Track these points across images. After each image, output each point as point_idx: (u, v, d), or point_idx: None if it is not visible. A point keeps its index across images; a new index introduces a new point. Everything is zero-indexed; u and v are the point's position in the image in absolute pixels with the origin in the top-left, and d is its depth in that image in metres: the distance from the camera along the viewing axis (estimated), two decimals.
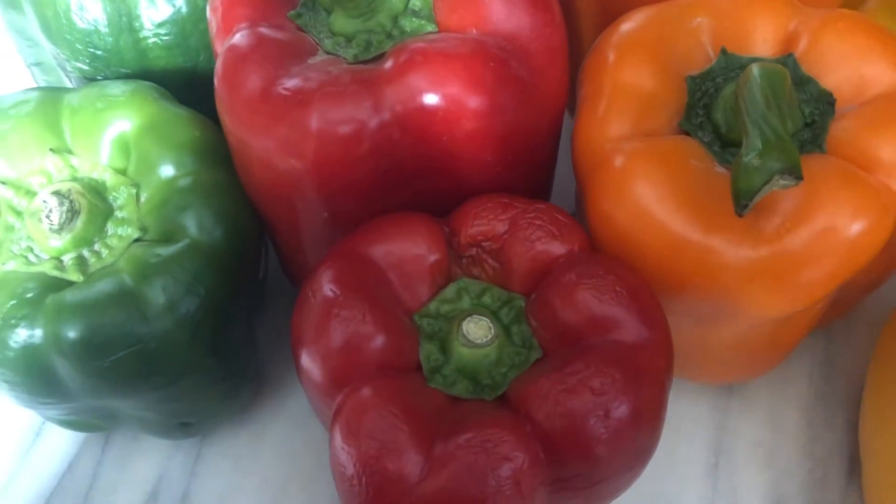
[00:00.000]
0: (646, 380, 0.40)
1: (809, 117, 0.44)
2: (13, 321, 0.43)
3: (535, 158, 0.48)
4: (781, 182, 0.37)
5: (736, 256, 0.42)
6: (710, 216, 0.42)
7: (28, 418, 0.57)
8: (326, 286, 0.42)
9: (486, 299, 0.44)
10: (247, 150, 0.45)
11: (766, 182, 0.37)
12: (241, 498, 0.55)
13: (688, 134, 0.45)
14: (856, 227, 0.41)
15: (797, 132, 0.43)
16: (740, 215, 0.38)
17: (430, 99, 0.43)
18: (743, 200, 0.37)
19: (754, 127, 0.39)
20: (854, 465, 0.55)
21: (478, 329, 0.41)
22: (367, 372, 0.40)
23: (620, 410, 0.39)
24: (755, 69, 0.40)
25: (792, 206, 0.41)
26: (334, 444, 0.40)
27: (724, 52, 0.45)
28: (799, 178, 0.37)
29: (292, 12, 0.46)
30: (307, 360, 0.42)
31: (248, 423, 0.57)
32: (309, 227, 0.48)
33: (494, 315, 0.43)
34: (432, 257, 0.44)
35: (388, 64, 0.43)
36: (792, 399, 0.58)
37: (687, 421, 0.57)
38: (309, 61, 0.44)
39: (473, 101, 0.43)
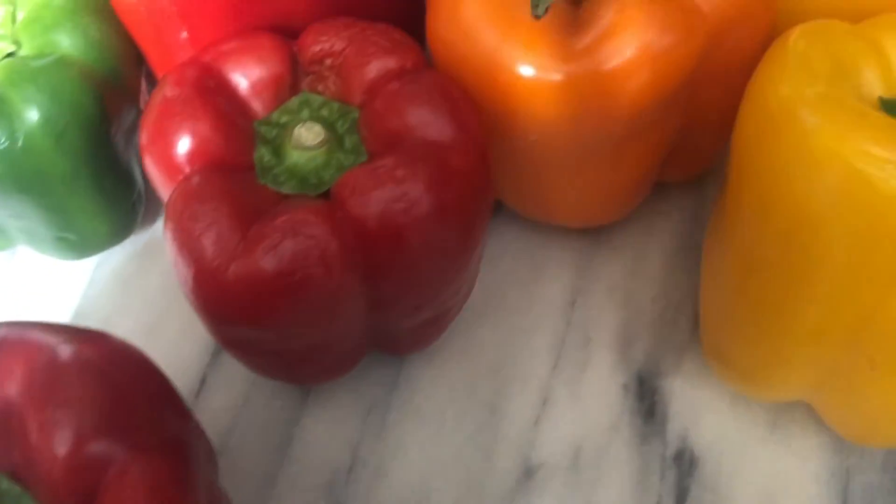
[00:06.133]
0: (451, 176, 0.43)
1: None
2: None
3: None
4: None
5: (550, 72, 0.44)
6: (528, 37, 0.44)
7: None
8: (168, 88, 0.45)
9: (325, 112, 0.47)
10: None
11: None
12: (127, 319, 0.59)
13: None
14: (665, 41, 0.43)
15: None
16: (538, 17, 0.40)
17: None
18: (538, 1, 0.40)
19: None
20: None
21: (308, 133, 0.44)
22: (198, 166, 0.44)
23: (422, 200, 0.42)
24: None
25: (601, 26, 0.44)
26: (165, 232, 0.44)
27: None
28: None
29: None
30: (148, 159, 0.45)
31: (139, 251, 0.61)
32: (170, 48, 0.51)
33: (331, 126, 0.46)
34: (276, 70, 0.47)
35: None
36: (656, 249, 0.61)
37: (552, 263, 0.60)
38: None
39: None
